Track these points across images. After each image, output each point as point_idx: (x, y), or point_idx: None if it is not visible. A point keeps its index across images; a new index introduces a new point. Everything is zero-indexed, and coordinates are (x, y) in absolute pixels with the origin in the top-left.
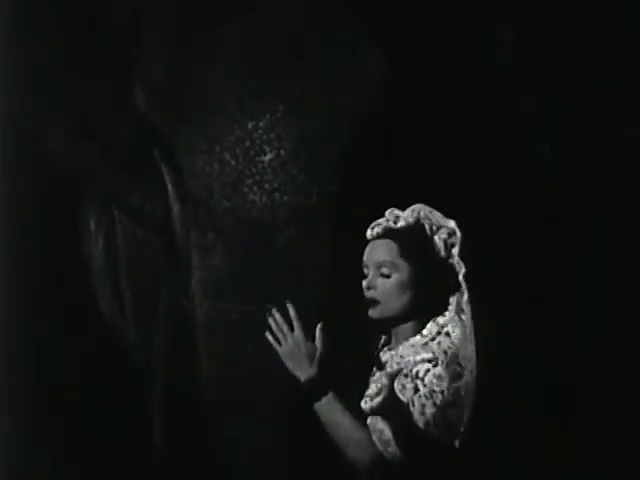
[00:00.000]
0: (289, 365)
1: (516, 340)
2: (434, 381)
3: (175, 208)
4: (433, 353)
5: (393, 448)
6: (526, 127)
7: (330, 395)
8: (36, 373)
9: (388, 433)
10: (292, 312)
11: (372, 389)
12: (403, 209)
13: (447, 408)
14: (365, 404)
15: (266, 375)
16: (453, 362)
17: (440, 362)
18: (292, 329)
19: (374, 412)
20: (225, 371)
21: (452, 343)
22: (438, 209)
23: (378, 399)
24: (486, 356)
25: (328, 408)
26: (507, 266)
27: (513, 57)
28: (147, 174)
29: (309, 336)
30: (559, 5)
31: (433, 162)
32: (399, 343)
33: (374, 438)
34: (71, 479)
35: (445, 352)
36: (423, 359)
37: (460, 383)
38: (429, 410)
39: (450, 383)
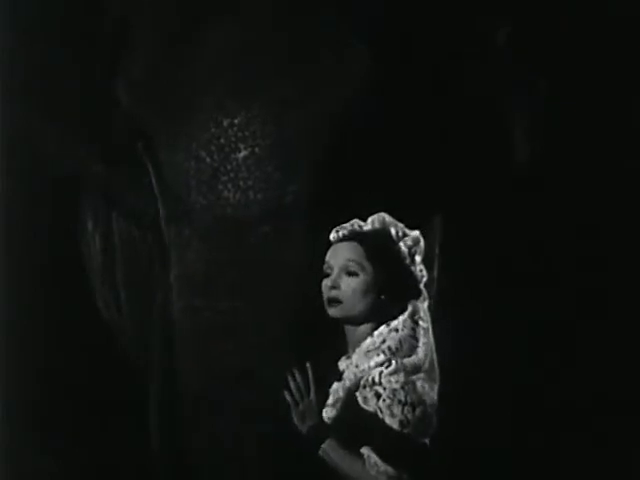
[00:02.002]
0: (296, 421)
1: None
2: (391, 379)
3: (160, 205)
4: (384, 354)
5: (382, 467)
6: (514, 126)
7: (329, 440)
8: (34, 373)
9: (373, 456)
10: (310, 375)
11: (330, 400)
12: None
13: (417, 405)
14: (325, 413)
15: (239, 372)
16: (405, 355)
17: (392, 358)
18: (308, 391)
19: (333, 421)
20: (200, 369)
21: (400, 340)
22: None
23: (334, 411)
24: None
25: (330, 452)
26: (496, 266)
27: (503, 56)
28: (141, 172)
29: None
30: (549, 4)
31: (414, 162)
32: (353, 349)
33: (366, 466)
34: (71, 479)
35: (391, 348)
36: (376, 363)
37: (417, 377)
38: (397, 409)
39: (407, 376)
